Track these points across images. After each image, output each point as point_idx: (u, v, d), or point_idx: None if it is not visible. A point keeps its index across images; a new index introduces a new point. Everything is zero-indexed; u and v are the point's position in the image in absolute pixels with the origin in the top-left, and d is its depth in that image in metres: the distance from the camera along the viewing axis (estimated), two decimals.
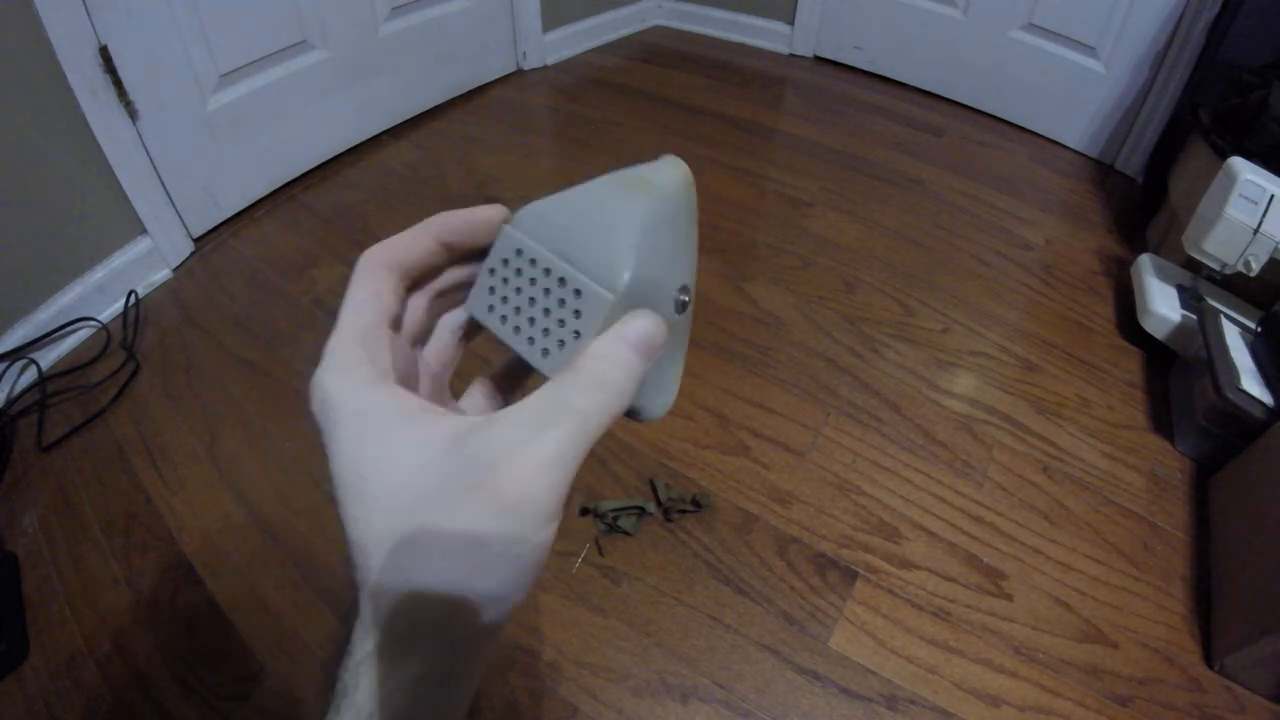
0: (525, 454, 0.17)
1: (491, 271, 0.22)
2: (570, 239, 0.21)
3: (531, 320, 0.22)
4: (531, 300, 0.22)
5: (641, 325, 0.20)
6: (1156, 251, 1.19)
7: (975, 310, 1.18)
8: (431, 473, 0.17)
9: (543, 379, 0.20)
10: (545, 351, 0.21)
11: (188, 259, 1.23)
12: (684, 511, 0.85)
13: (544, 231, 0.22)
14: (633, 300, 0.21)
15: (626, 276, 0.20)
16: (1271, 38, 1.21)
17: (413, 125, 1.65)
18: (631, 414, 0.23)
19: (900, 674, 0.72)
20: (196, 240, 1.26)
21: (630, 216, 0.21)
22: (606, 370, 0.19)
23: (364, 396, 0.18)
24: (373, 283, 0.21)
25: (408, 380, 0.21)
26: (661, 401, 0.24)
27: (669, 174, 0.23)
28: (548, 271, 0.21)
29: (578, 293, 0.20)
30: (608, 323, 0.20)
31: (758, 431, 0.95)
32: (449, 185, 1.44)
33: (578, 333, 0.20)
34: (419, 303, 0.23)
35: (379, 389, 0.19)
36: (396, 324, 0.22)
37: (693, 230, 0.23)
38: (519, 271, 0.22)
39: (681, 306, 0.23)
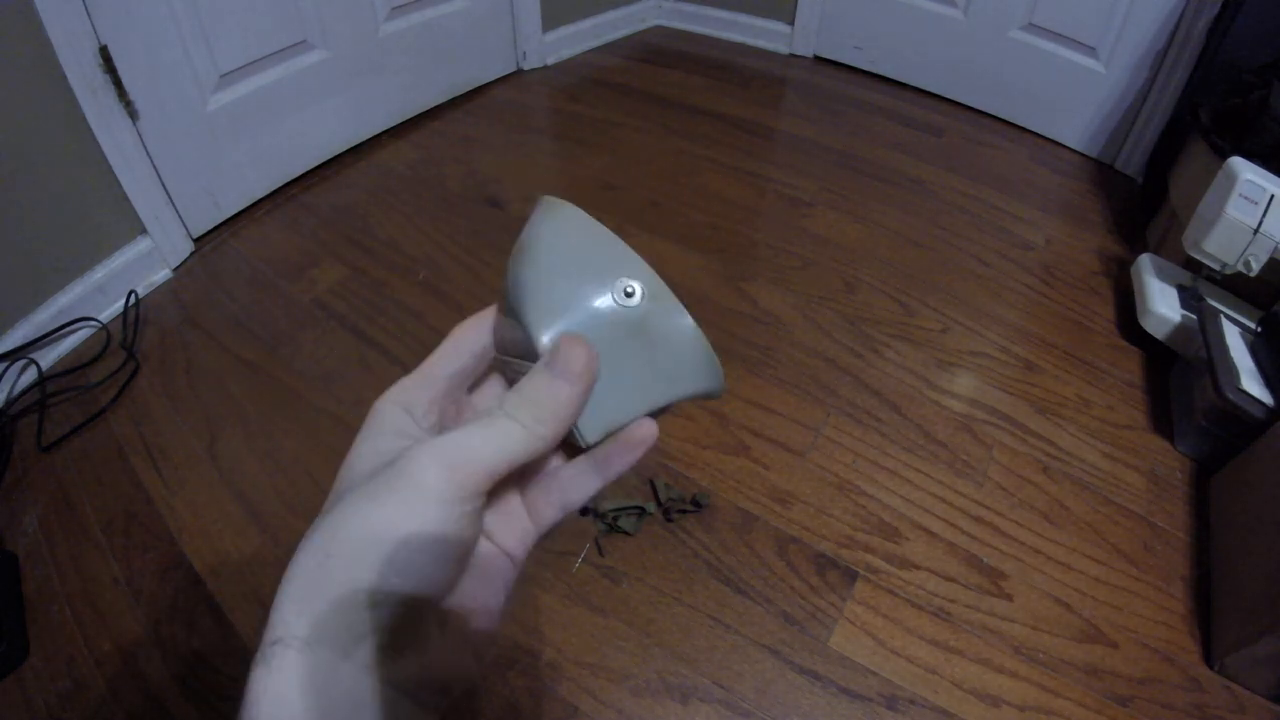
0: (422, 446, 0.19)
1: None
2: (507, 336, 0.25)
3: None
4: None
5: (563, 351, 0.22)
6: (1156, 251, 1.19)
7: (975, 310, 1.18)
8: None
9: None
10: None
11: (188, 259, 1.23)
12: (684, 511, 0.85)
13: (499, 338, 0.26)
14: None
15: (536, 339, 0.23)
16: (1271, 38, 1.21)
17: (413, 125, 1.65)
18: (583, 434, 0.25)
19: (900, 674, 0.72)
20: (196, 240, 1.26)
21: (518, 285, 0.24)
22: (531, 393, 0.22)
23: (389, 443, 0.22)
24: (454, 345, 0.25)
25: (448, 418, 0.25)
26: (616, 410, 0.24)
27: (538, 217, 0.25)
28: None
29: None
30: None
31: (758, 431, 0.95)
32: (449, 185, 1.44)
33: None
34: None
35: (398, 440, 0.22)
36: (468, 376, 0.25)
37: (599, 237, 0.25)
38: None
39: (626, 296, 0.24)
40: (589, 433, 0.24)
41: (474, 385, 0.27)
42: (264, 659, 0.18)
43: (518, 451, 0.20)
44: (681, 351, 0.25)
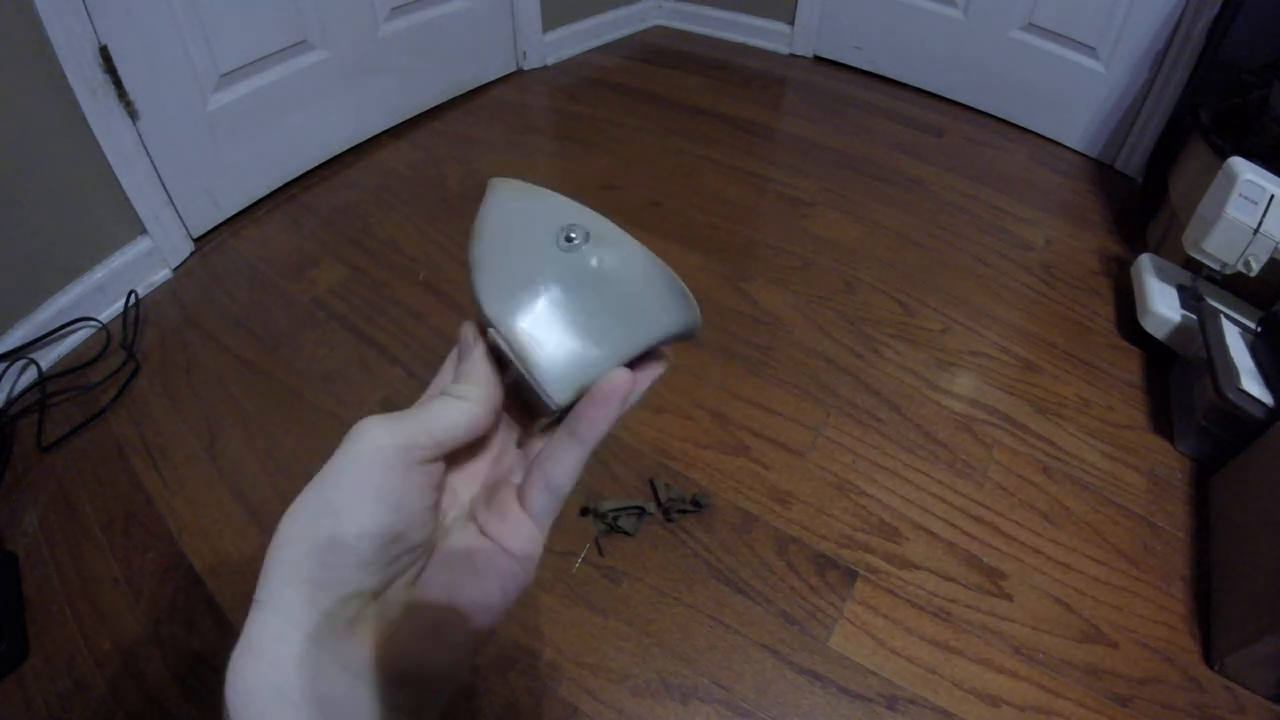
0: (369, 418, 0.22)
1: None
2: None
3: (520, 382, 0.25)
4: None
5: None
6: (1156, 251, 1.19)
7: (975, 310, 1.18)
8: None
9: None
10: (536, 396, 0.24)
11: (188, 259, 1.23)
12: (684, 511, 0.85)
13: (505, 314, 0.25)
14: (511, 298, 0.23)
15: (484, 302, 0.23)
16: (1271, 38, 1.21)
17: (413, 125, 1.65)
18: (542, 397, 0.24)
19: (900, 674, 0.72)
20: (196, 240, 1.26)
21: (471, 268, 0.24)
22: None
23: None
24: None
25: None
26: (569, 362, 0.23)
27: (483, 201, 0.26)
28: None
29: (495, 345, 0.24)
30: (517, 339, 0.23)
31: (758, 431, 0.95)
32: (449, 185, 1.44)
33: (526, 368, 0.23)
34: None
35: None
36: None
37: (536, 199, 0.25)
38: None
39: (568, 242, 0.24)
40: (556, 393, 0.22)
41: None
42: (242, 628, 0.19)
43: (457, 420, 0.22)
44: (642, 287, 0.24)
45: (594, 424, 0.23)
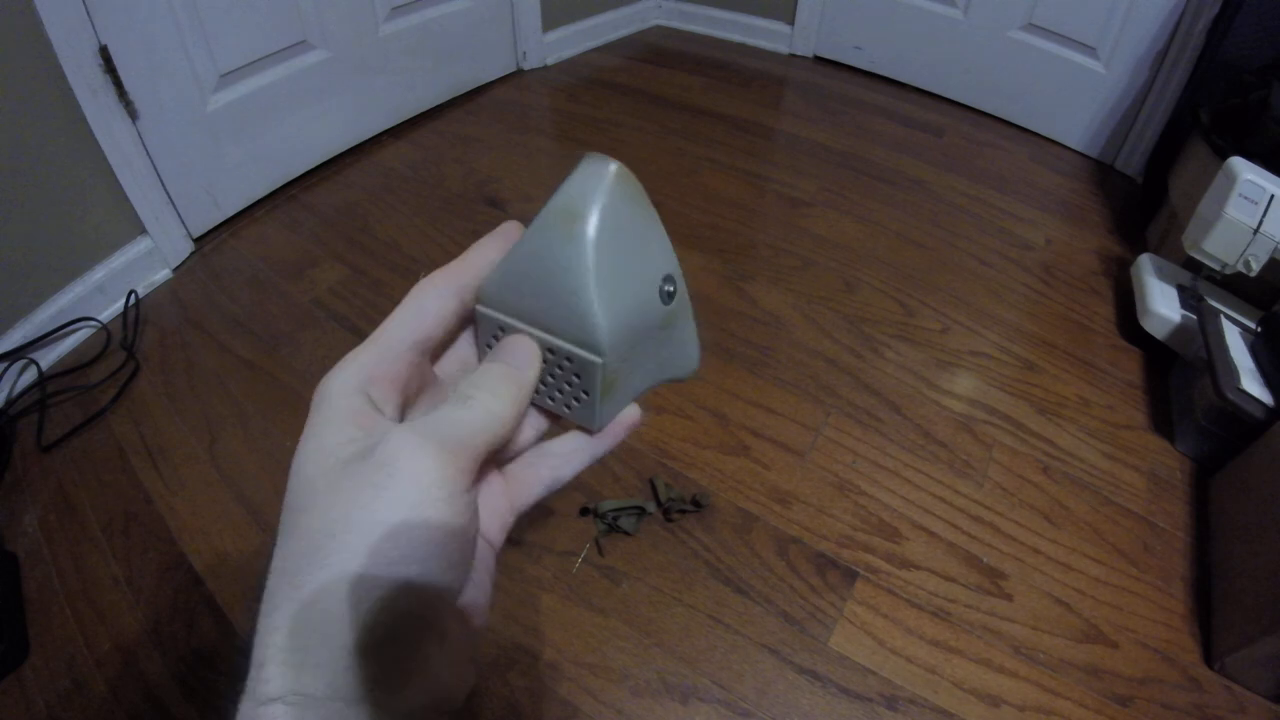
0: (402, 432, 0.18)
1: (488, 347, 0.23)
2: (540, 306, 0.22)
3: (545, 383, 0.23)
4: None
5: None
6: (1156, 251, 1.19)
7: (975, 310, 1.18)
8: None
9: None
10: (569, 406, 0.24)
11: (188, 259, 1.23)
12: (684, 511, 0.85)
13: (514, 302, 0.22)
14: (620, 338, 0.22)
15: (604, 336, 0.21)
16: (1271, 38, 1.21)
17: (413, 125, 1.65)
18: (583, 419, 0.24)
19: (900, 674, 0.72)
20: (196, 240, 1.26)
21: (579, 266, 0.21)
22: (493, 390, 0.21)
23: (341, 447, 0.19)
24: (416, 307, 0.22)
25: (410, 395, 0.22)
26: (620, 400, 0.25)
27: (595, 185, 0.21)
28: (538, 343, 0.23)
29: (570, 359, 0.22)
30: (608, 377, 0.22)
31: (758, 431, 0.95)
32: (449, 185, 1.44)
33: (586, 392, 0.23)
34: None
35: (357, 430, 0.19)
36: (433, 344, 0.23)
37: (649, 217, 0.23)
38: None
39: (668, 297, 0.24)
40: (600, 423, 0.24)
41: (436, 354, 0.24)
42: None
43: (499, 432, 0.20)
44: (683, 345, 0.26)
45: (609, 444, 0.25)
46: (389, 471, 0.17)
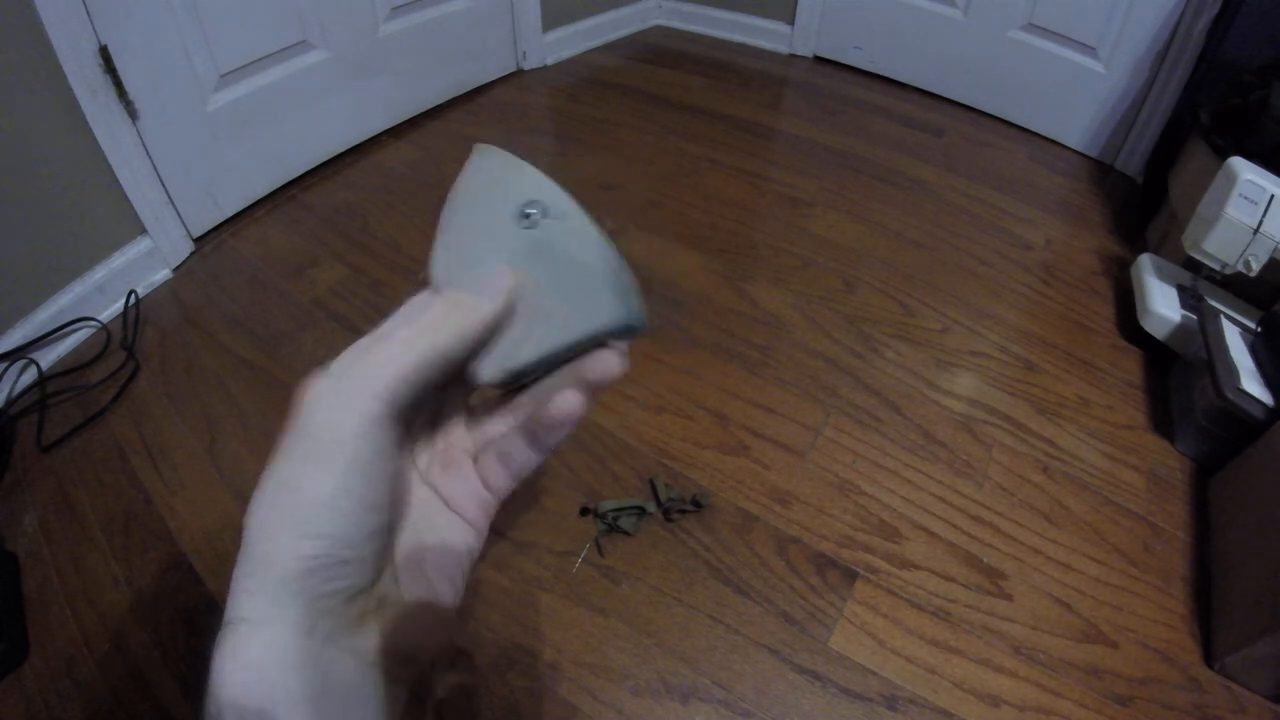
0: (315, 382, 0.19)
1: None
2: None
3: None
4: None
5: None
6: (1156, 251, 1.19)
7: (975, 310, 1.18)
8: None
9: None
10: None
11: (188, 259, 1.23)
12: (684, 511, 0.85)
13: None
14: (456, 260, 0.23)
15: (433, 268, 0.23)
16: (1271, 38, 1.21)
17: (413, 125, 1.65)
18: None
19: (900, 674, 0.72)
20: (196, 240, 1.26)
21: (437, 236, 0.24)
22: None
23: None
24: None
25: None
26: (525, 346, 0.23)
27: (464, 169, 0.24)
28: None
29: None
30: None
31: (758, 431, 0.95)
32: (449, 185, 1.43)
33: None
34: None
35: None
36: None
37: (508, 169, 0.24)
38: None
39: (525, 219, 0.23)
40: (484, 371, 0.22)
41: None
42: (220, 642, 0.18)
43: (412, 363, 0.19)
44: (591, 275, 0.22)
45: (552, 441, 0.23)
46: (302, 427, 0.18)
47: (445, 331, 0.20)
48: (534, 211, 0.22)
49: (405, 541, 0.22)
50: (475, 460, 0.25)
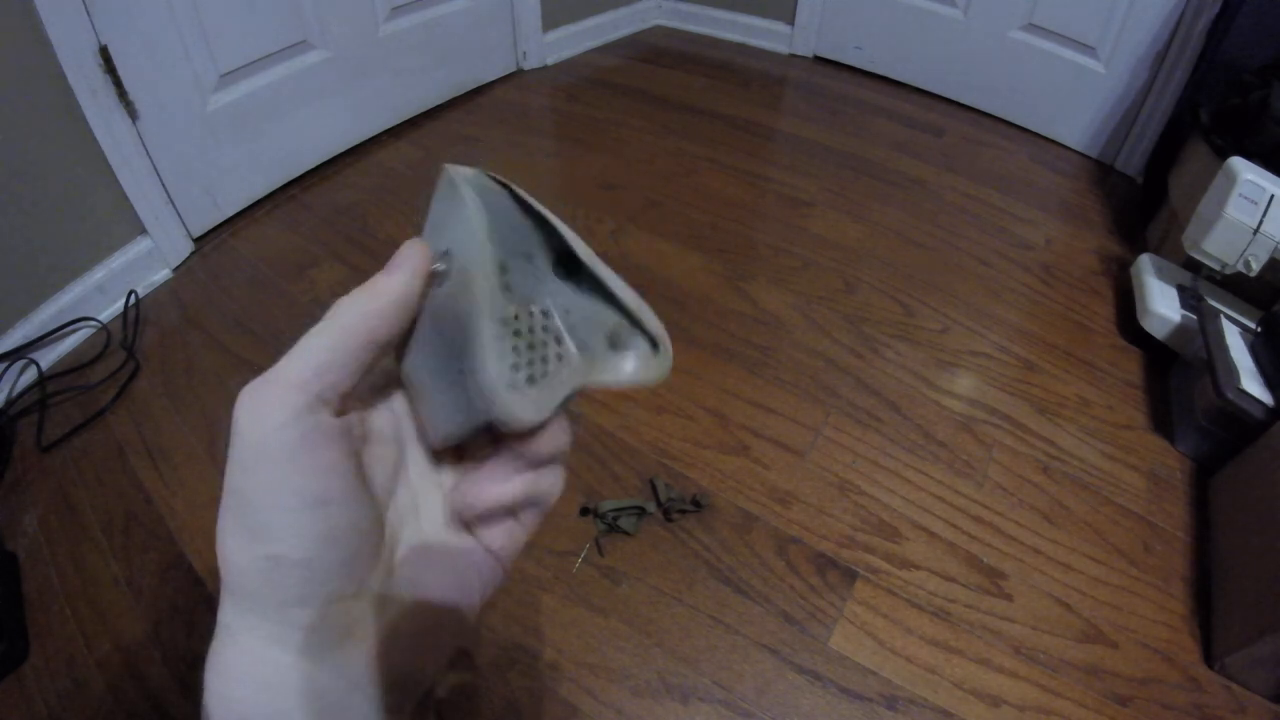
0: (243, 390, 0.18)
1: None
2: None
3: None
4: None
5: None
6: (1156, 251, 1.19)
7: (975, 310, 1.18)
8: None
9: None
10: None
11: (188, 259, 1.23)
12: (684, 511, 0.85)
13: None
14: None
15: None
16: (1271, 38, 1.21)
17: (413, 125, 1.65)
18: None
19: (900, 674, 0.72)
20: (196, 240, 1.26)
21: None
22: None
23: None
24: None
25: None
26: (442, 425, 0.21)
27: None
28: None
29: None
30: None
31: (758, 431, 0.95)
32: None
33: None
34: None
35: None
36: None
37: (454, 198, 0.21)
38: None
39: (437, 275, 0.21)
40: (433, 436, 0.22)
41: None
42: (211, 648, 0.18)
43: (327, 346, 0.19)
44: (465, 372, 0.20)
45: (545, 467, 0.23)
46: (239, 419, 0.18)
47: (356, 312, 0.19)
48: (441, 268, 0.21)
49: (412, 572, 0.21)
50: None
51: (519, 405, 0.19)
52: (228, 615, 0.18)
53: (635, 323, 0.22)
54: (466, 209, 0.20)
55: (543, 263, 0.23)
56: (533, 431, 0.21)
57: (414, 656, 0.20)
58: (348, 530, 0.19)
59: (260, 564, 0.18)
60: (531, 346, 0.21)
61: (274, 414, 0.18)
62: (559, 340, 0.22)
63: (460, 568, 0.22)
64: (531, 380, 0.20)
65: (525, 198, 0.22)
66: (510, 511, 0.23)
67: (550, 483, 0.23)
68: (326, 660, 0.18)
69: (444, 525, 0.23)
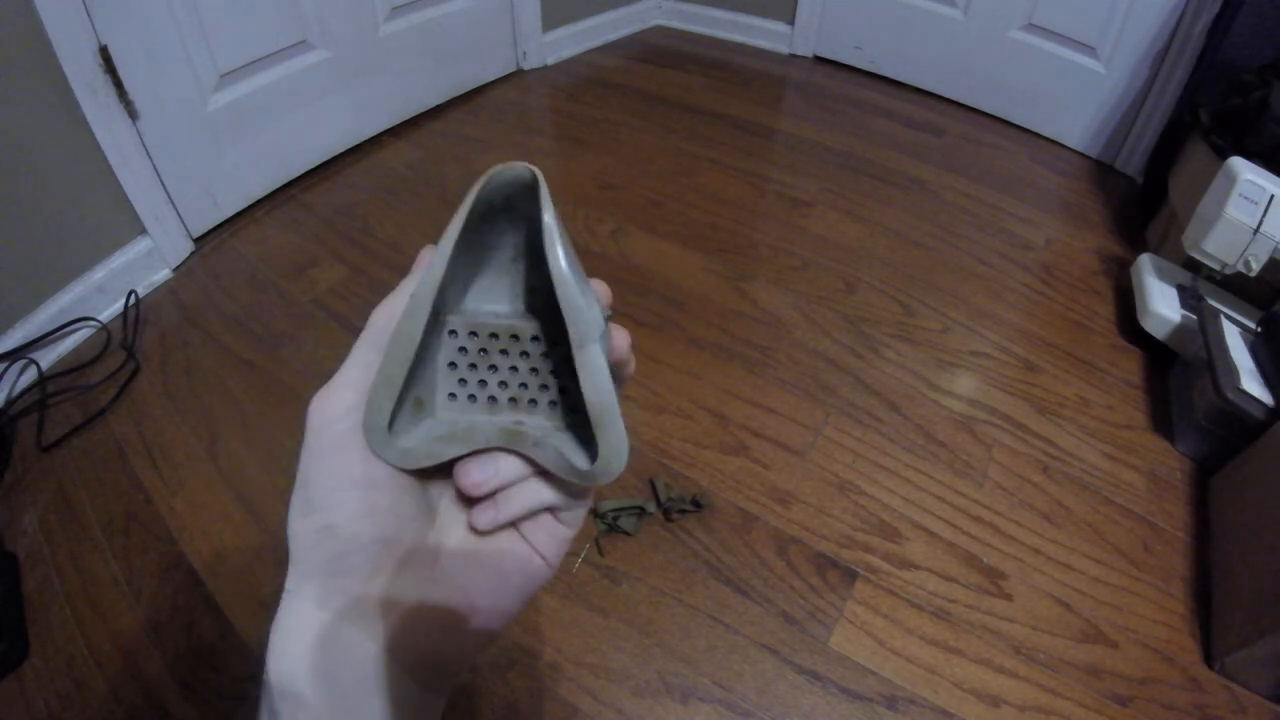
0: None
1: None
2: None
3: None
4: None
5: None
6: (1156, 251, 1.19)
7: (975, 310, 1.18)
8: None
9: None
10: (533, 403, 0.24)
11: (188, 259, 1.23)
12: (684, 511, 0.85)
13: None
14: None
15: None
16: (1271, 38, 1.21)
17: (413, 125, 1.65)
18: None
19: (900, 674, 0.72)
20: (196, 240, 1.26)
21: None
22: None
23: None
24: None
25: None
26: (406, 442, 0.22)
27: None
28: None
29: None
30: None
31: (758, 431, 0.95)
32: (449, 185, 1.44)
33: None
34: None
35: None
36: None
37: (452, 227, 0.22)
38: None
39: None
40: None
41: None
42: (276, 613, 0.21)
43: (356, 372, 0.22)
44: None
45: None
46: (310, 418, 0.22)
47: (386, 315, 0.22)
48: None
49: (457, 559, 0.23)
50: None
51: (386, 450, 0.22)
52: (290, 581, 0.21)
53: (594, 430, 0.22)
54: (436, 255, 0.22)
55: (537, 294, 0.24)
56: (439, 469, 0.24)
57: (450, 640, 0.23)
58: (388, 511, 0.22)
59: (315, 534, 0.21)
60: (474, 366, 0.23)
61: (332, 410, 0.21)
62: (503, 380, 0.24)
63: (503, 566, 0.24)
64: (472, 399, 0.23)
65: (550, 240, 0.21)
66: (548, 510, 0.25)
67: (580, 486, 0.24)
68: (365, 627, 0.21)
69: (504, 541, 0.25)
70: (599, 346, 0.21)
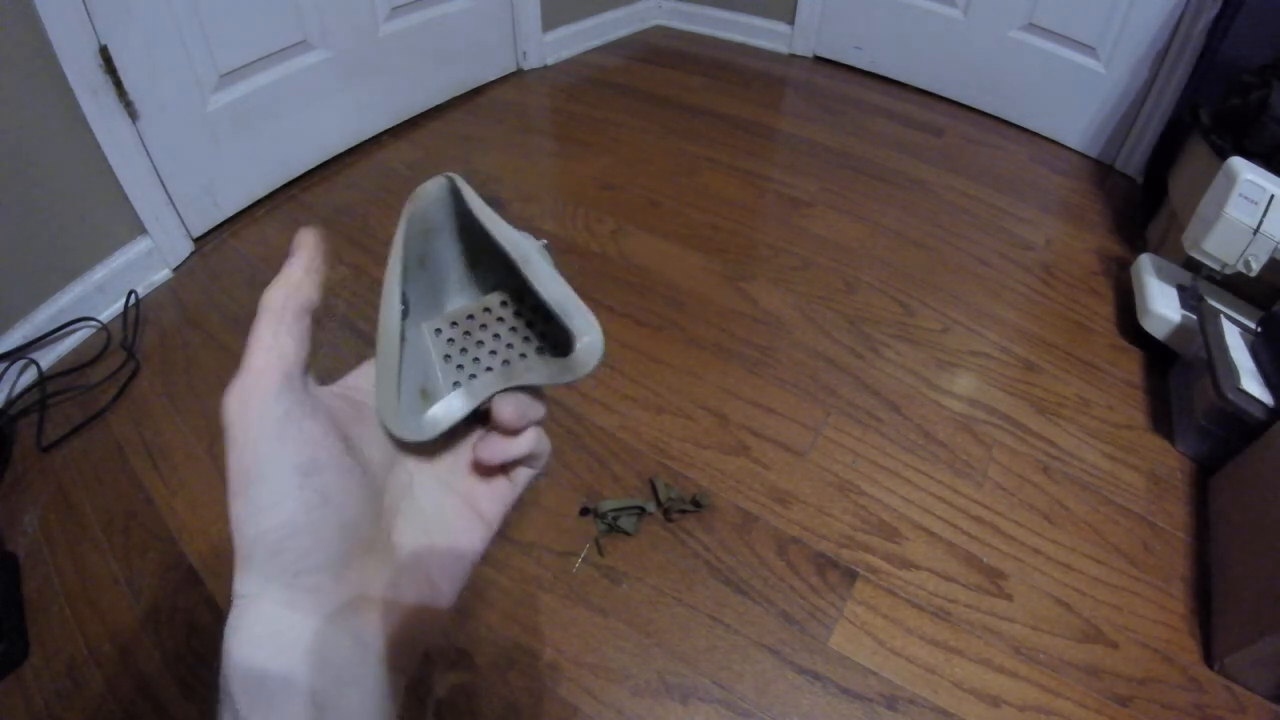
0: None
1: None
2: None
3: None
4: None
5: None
6: (1156, 251, 1.19)
7: (975, 310, 1.18)
8: None
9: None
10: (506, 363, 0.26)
11: (188, 259, 1.23)
12: (684, 511, 0.85)
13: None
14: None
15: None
16: (1271, 38, 1.21)
17: (413, 125, 1.65)
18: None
19: (900, 674, 0.72)
20: (196, 240, 1.26)
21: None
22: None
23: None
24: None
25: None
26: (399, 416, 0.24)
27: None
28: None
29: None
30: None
31: (758, 431, 0.95)
32: None
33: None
34: None
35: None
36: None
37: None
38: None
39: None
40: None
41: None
42: (228, 623, 0.20)
43: (266, 355, 0.21)
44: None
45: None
46: (225, 420, 0.20)
47: (279, 295, 0.23)
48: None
49: (411, 540, 0.24)
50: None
51: (405, 429, 0.23)
52: (243, 586, 0.19)
53: (564, 322, 0.24)
54: (391, 255, 0.24)
55: (491, 270, 0.27)
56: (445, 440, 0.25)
57: (420, 621, 0.22)
58: (341, 495, 0.21)
59: (268, 535, 0.19)
60: (465, 350, 0.26)
61: (255, 399, 0.20)
62: (492, 349, 0.26)
63: (454, 532, 0.25)
64: (473, 378, 0.25)
65: (475, 211, 0.25)
66: (504, 470, 0.26)
67: (544, 442, 0.26)
68: (338, 622, 0.20)
69: (438, 496, 0.25)
70: (539, 257, 0.24)
